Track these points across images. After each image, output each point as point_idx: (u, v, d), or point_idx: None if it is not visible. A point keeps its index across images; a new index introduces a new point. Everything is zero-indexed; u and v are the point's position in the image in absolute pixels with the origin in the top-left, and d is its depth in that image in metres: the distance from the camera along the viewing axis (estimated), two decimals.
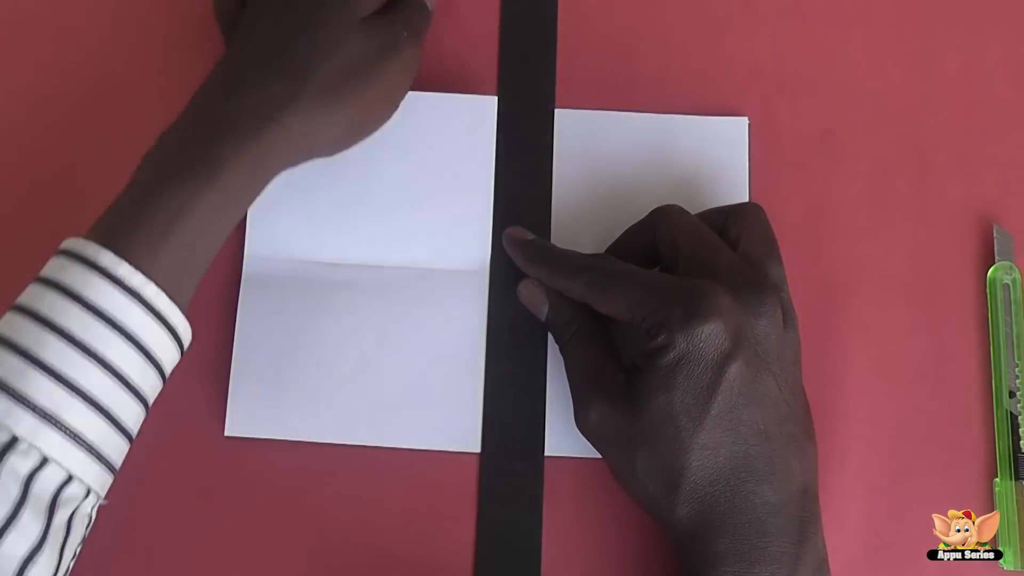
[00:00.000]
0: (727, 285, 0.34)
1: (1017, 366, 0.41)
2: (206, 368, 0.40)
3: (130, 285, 0.31)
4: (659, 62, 0.44)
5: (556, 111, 0.43)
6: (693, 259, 0.36)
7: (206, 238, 0.34)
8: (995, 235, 0.42)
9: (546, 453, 0.39)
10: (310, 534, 0.39)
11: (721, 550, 0.33)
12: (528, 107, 0.43)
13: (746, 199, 0.42)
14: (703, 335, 0.33)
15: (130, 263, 0.31)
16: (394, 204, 0.42)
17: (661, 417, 0.33)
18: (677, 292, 0.34)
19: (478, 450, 0.39)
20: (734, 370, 0.33)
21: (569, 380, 0.38)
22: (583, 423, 0.36)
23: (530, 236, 0.40)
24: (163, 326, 0.32)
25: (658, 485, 0.34)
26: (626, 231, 0.40)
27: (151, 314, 0.32)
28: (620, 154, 0.43)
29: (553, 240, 0.42)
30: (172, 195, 0.33)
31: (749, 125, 0.43)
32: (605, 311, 0.36)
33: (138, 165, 0.34)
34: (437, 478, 0.39)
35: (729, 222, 0.38)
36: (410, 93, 0.42)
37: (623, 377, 0.35)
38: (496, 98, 0.43)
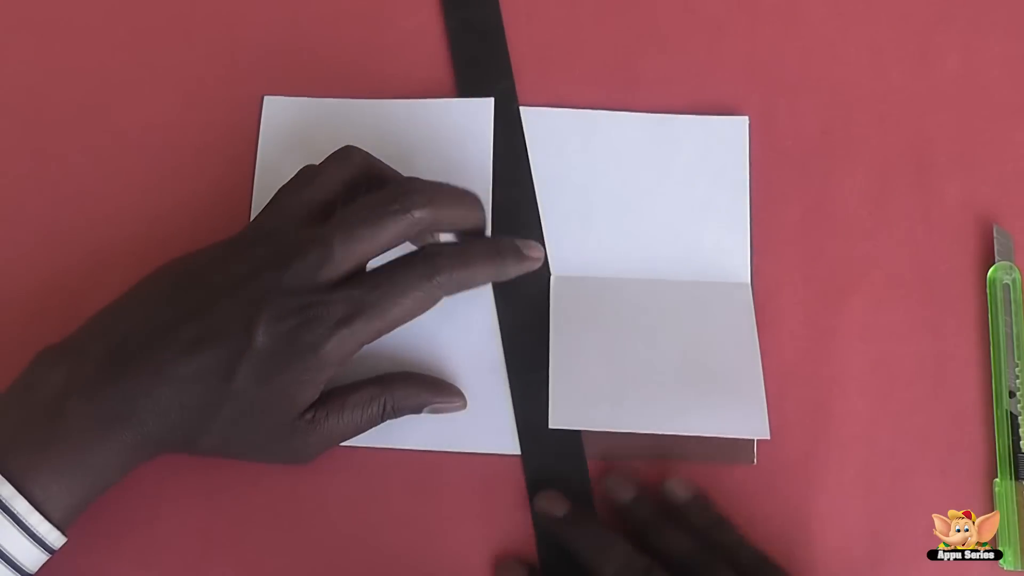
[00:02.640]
0: None
1: (1017, 366, 0.41)
2: None
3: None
4: (659, 62, 0.44)
5: (555, 111, 0.43)
6: None
7: (92, 455, 0.34)
8: (995, 235, 0.42)
9: None
10: (310, 534, 0.39)
11: None
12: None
13: (746, 199, 0.42)
14: None
15: (4, 474, 0.32)
16: None
17: None
18: None
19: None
20: None
21: None
22: None
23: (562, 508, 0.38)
24: (26, 535, 0.33)
25: None
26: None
27: (14, 523, 0.32)
28: (620, 154, 0.43)
29: (548, 244, 0.42)
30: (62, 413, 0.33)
31: (749, 125, 0.43)
32: None
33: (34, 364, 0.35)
34: (438, 479, 0.39)
35: None
36: (407, 101, 0.42)
37: None
38: (492, 99, 0.43)
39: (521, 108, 0.43)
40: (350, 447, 0.39)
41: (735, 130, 0.43)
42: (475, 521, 0.39)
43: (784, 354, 0.40)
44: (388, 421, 0.39)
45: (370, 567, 0.38)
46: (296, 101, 0.43)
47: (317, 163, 0.39)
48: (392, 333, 0.40)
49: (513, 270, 0.38)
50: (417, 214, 0.36)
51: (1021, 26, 0.45)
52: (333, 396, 0.36)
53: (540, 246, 0.39)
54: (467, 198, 0.38)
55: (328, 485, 0.39)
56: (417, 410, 0.38)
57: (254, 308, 0.34)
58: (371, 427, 0.37)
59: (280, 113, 0.43)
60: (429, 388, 0.39)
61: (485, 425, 0.39)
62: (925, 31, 0.45)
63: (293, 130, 0.43)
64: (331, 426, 0.36)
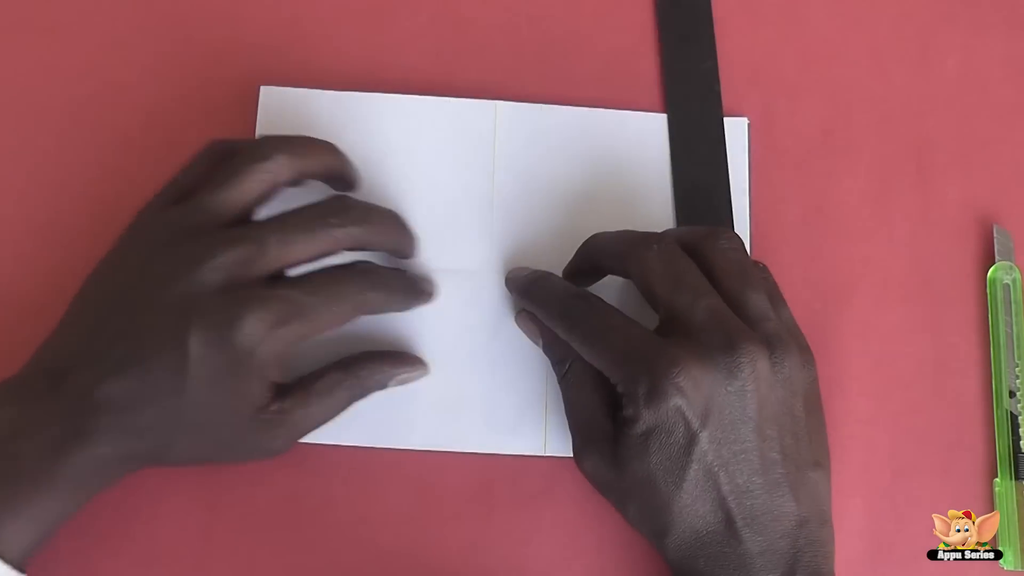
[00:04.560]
0: (700, 345, 0.33)
1: (1017, 366, 0.41)
2: None
3: None
4: (659, 62, 0.44)
5: (544, 107, 0.43)
6: (670, 310, 0.34)
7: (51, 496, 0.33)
8: (995, 235, 0.42)
9: (546, 453, 0.39)
10: (310, 534, 0.39)
11: None
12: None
13: (746, 199, 0.42)
14: (668, 413, 0.32)
15: None
16: (393, 205, 0.42)
17: (642, 479, 0.34)
18: (643, 364, 0.33)
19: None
20: (704, 442, 0.33)
21: (567, 417, 0.37)
22: (579, 467, 0.36)
23: (526, 271, 0.39)
24: None
25: (648, 531, 0.35)
26: (588, 253, 0.39)
27: None
28: (619, 152, 0.43)
29: (541, 239, 0.41)
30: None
31: (749, 125, 0.43)
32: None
33: None
34: (438, 479, 0.39)
35: (700, 253, 0.36)
36: (408, 96, 0.42)
37: (611, 429, 0.35)
38: (496, 103, 0.43)
39: (507, 103, 0.43)
40: (350, 447, 0.39)
41: (735, 130, 0.43)
42: (475, 521, 0.39)
43: None
44: (387, 421, 0.39)
45: (370, 567, 0.38)
46: (293, 92, 0.43)
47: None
48: (397, 337, 0.40)
49: (416, 303, 0.39)
50: (353, 229, 0.36)
51: (1021, 26, 0.45)
52: (297, 387, 0.36)
53: (433, 282, 0.40)
54: (399, 221, 0.38)
55: (328, 485, 0.39)
56: (383, 385, 0.38)
57: (183, 317, 0.33)
58: (340, 412, 0.37)
59: (277, 103, 0.43)
60: (390, 361, 0.38)
61: (485, 425, 0.40)
62: (925, 31, 0.45)
63: (290, 120, 0.43)
64: (299, 417, 0.36)
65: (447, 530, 0.39)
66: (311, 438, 0.39)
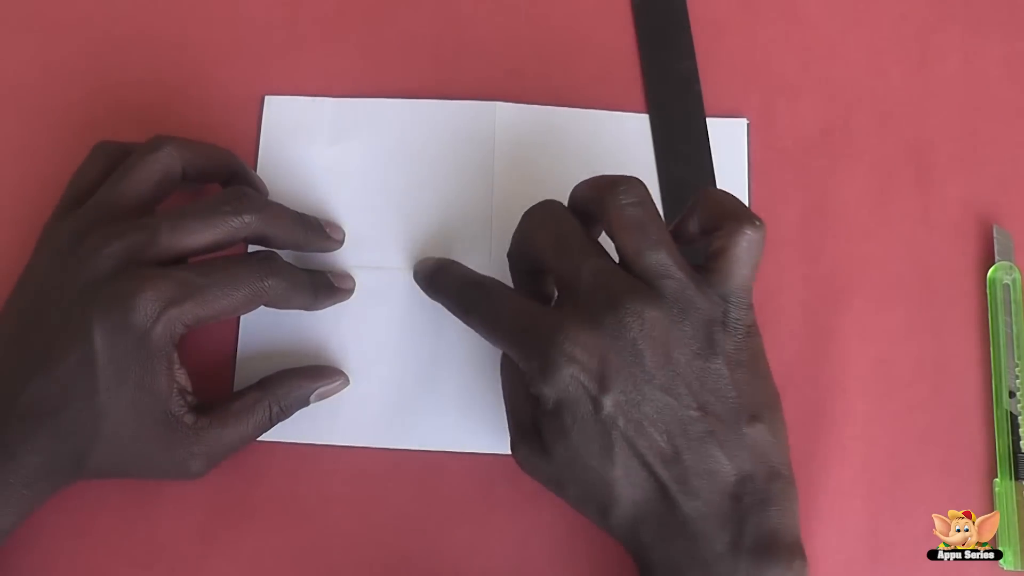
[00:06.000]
0: (585, 309, 0.32)
1: (1017, 366, 0.41)
2: (208, 370, 0.40)
3: None
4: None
5: (543, 108, 0.43)
6: (558, 278, 0.34)
7: None
8: (995, 235, 0.42)
9: None
10: (310, 534, 0.39)
11: (655, 560, 0.33)
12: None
13: (746, 200, 0.42)
14: (567, 383, 0.32)
15: None
16: (396, 207, 0.42)
17: (570, 458, 0.33)
18: (533, 339, 0.32)
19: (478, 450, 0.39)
20: (609, 406, 0.31)
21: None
22: (515, 458, 0.35)
23: (431, 261, 0.40)
24: None
25: (592, 512, 0.34)
26: (514, 242, 0.37)
27: None
28: (612, 152, 0.43)
29: None
30: None
31: (748, 126, 0.43)
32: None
33: None
34: (438, 479, 0.39)
35: (602, 207, 0.34)
36: (410, 101, 0.42)
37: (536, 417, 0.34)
38: (497, 103, 0.43)
39: (507, 104, 0.43)
40: (349, 447, 0.39)
41: (734, 131, 0.43)
42: (475, 521, 0.39)
43: (784, 354, 0.40)
44: (386, 421, 0.39)
45: (370, 567, 0.38)
46: (297, 100, 0.43)
47: (190, 145, 0.38)
48: (397, 337, 0.40)
49: (325, 303, 0.39)
50: (247, 218, 0.36)
51: (1021, 26, 0.45)
52: (216, 406, 0.36)
53: (352, 278, 0.40)
54: (298, 215, 0.38)
55: (328, 485, 0.39)
56: (304, 402, 0.38)
57: (84, 309, 0.33)
58: (261, 433, 0.37)
59: (280, 112, 0.43)
60: (308, 376, 0.39)
61: (485, 425, 0.40)
62: (925, 31, 0.45)
63: (293, 129, 0.43)
64: (215, 436, 0.36)
65: (447, 530, 0.39)
66: (313, 438, 0.39)
